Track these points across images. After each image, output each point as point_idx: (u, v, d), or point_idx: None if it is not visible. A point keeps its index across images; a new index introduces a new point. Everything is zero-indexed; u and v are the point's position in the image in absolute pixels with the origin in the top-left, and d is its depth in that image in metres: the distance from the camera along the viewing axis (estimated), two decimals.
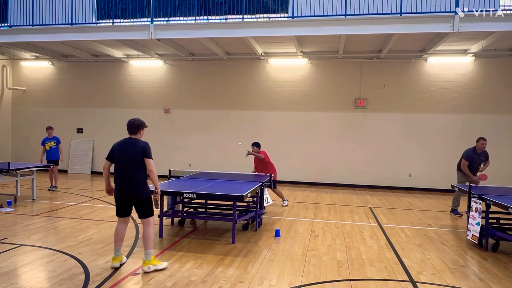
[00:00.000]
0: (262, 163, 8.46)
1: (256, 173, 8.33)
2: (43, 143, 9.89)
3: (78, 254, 4.96)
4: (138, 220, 6.71)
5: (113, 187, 4.63)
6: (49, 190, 9.79)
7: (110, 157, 4.59)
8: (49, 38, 10.50)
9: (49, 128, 10.03)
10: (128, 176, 4.44)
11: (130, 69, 13.51)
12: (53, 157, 9.89)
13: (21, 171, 8.28)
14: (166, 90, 13.24)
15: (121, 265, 4.59)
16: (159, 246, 5.42)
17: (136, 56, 12.96)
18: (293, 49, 11.31)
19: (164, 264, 4.57)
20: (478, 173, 8.03)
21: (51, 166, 9.51)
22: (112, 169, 4.58)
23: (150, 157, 4.48)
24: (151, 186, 4.64)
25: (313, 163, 12.30)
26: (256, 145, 8.53)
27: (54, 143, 9.93)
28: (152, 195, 4.59)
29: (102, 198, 9.12)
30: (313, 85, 12.30)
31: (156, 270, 4.44)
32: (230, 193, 5.60)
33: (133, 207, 4.60)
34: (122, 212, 4.60)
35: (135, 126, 4.64)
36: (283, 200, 8.76)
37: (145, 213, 4.54)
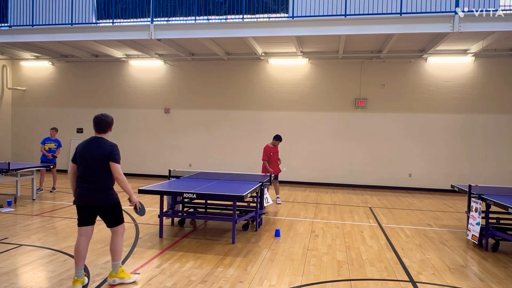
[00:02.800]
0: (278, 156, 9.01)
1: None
2: (43, 143, 9.72)
3: None
4: (139, 220, 6.72)
5: None
6: (37, 192, 9.17)
7: (74, 159, 3.99)
8: (49, 38, 10.51)
9: (53, 129, 9.85)
10: (91, 180, 3.86)
11: (130, 69, 13.51)
12: (42, 157, 9.64)
13: (21, 171, 8.27)
14: (166, 90, 13.24)
15: (83, 287, 3.94)
16: (159, 246, 5.41)
17: (136, 56, 12.96)
18: (293, 49, 11.31)
19: (133, 278, 4.12)
20: None
21: (51, 167, 9.45)
22: None
23: (117, 161, 3.89)
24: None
25: (313, 163, 12.30)
26: (280, 139, 8.88)
27: (55, 145, 9.76)
28: (129, 204, 4.16)
29: None
30: (313, 85, 12.29)
31: (122, 284, 4.03)
32: (230, 193, 5.60)
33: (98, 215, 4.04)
34: (85, 219, 3.94)
35: (105, 123, 4.03)
36: (277, 196, 8.95)
37: (112, 222, 3.99)
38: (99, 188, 3.88)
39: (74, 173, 4.00)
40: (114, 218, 4.00)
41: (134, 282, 4.10)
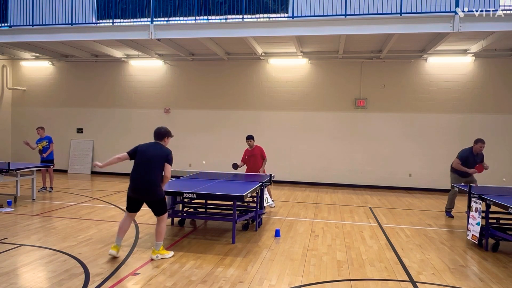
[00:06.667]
0: (257, 160, 8.37)
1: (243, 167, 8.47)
2: (36, 144, 9.77)
3: (78, 254, 4.96)
4: (139, 220, 6.73)
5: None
6: (39, 191, 9.45)
7: (132, 154, 4.95)
8: (49, 38, 10.50)
9: (39, 128, 9.89)
10: (148, 176, 4.79)
11: (130, 69, 13.51)
12: (47, 157, 9.68)
13: (21, 171, 8.27)
14: (166, 90, 13.23)
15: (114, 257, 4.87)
16: None
17: (136, 56, 12.96)
18: (293, 49, 11.31)
19: (171, 254, 5.00)
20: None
21: (51, 166, 9.46)
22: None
23: (171, 164, 4.93)
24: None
25: (313, 163, 12.29)
26: (252, 138, 8.39)
27: (47, 142, 9.74)
28: None
29: (102, 198, 9.12)
30: (313, 85, 12.29)
31: (163, 259, 4.87)
32: (230, 193, 5.60)
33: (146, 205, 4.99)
34: (133, 208, 4.99)
35: (161, 133, 5.09)
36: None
37: (160, 211, 4.97)
38: (154, 184, 4.80)
39: (120, 159, 4.95)
40: (161, 208, 4.97)
41: (171, 257, 4.95)
